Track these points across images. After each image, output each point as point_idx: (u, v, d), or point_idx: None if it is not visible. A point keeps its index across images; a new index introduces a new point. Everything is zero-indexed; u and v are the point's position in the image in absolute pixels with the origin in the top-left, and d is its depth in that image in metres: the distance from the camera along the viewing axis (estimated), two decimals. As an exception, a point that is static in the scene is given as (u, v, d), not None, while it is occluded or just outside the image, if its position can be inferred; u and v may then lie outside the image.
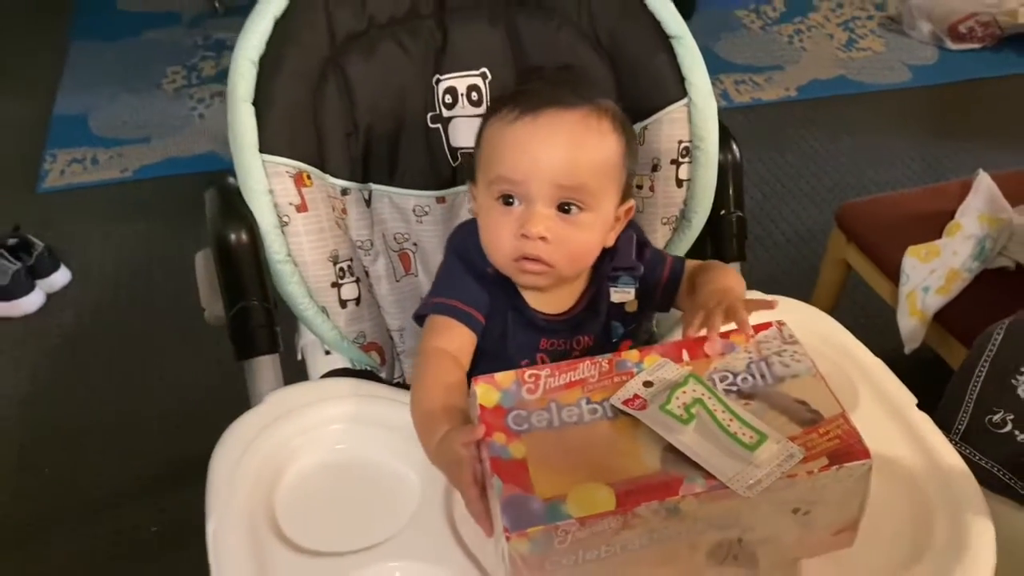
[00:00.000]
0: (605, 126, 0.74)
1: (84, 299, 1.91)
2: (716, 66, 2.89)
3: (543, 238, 0.72)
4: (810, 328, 0.75)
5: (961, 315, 1.27)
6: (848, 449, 0.59)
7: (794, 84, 2.85)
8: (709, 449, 0.59)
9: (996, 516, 0.81)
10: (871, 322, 1.55)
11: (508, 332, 0.76)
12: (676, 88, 0.86)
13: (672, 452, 0.60)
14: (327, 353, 0.86)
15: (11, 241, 1.88)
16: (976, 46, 2.95)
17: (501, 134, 0.73)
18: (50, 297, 1.89)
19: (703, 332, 0.68)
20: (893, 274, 1.38)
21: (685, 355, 0.67)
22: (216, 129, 2.49)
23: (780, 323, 0.69)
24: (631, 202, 0.79)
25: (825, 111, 2.72)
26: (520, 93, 0.76)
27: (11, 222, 1.93)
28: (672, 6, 0.86)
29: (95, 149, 2.39)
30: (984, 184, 1.37)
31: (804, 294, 1.51)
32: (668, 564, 0.61)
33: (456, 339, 0.73)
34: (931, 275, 1.32)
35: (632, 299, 0.80)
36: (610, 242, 0.78)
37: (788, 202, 2.23)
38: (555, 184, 0.72)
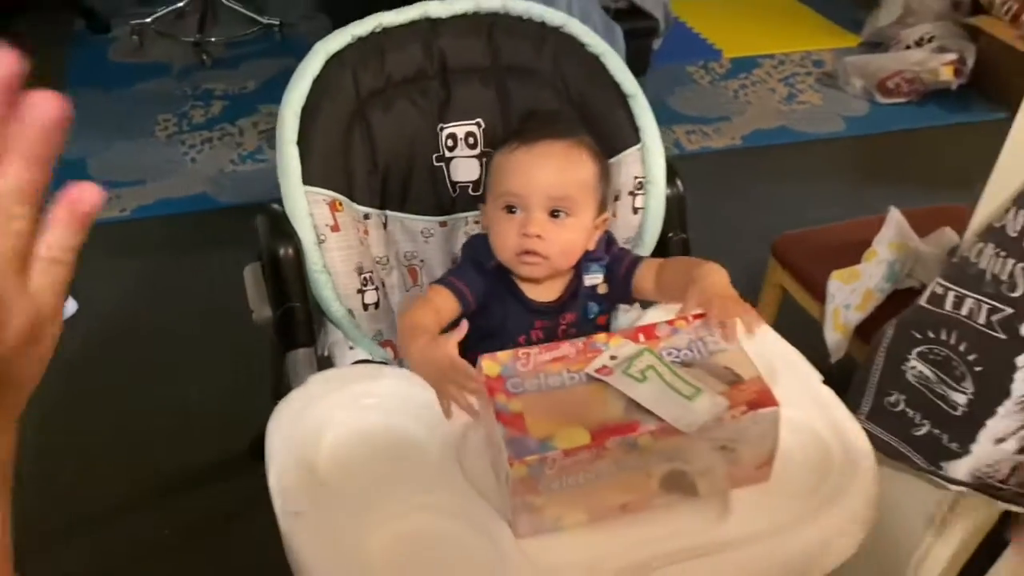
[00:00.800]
0: (584, 155, 0.96)
1: (90, 327, 2.06)
2: (669, 117, 3.15)
3: (539, 236, 0.93)
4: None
5: (876, 328, 1.48)
6: (761, 400, 0.79)
7: (739, 134, 3.11)
8: (659, 400, 0.79)
9: (894, 480, 1.02)
10: (803, 336, 1.77)
11: (508, 315, 0.96)
12: (632, 136, 1.07)
13: (632, 404, 0.79)
14: (351, 348, 1.04)
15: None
16: (903, 100, 3.25)
17: (506, 160, 0.95)
18: (59, 325, 2.04)
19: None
20: (820, 295, 1.61)
21: (641, 338, 0.87)
22: (206, 172, 2.67)
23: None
24: (606, 214, 1.01)
25: (768, 158, 2.98)
26: (519, 131, 0.98)
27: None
28: (628, 72, 1.08)
29: (94, 191, 2.56)
30: (895, 218, 1.61)
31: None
32: (631, 489, 0.80)
33: (442, 301, 0.96)
34: (851, 295, 1.54)
35: (601, 282, 1.01)
36: (591, 246, 1.00)
37: (734, 239, 2.46)
38: (547, 196, 0.93)
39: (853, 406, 1.15)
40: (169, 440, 1.79)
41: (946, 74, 3.22)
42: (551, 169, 0.94)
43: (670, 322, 0.89)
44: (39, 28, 3.46)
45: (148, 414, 1.85)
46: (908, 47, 3.47)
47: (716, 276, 0.91)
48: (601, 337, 0.87)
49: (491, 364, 0.84)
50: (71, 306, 2.07)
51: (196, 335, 2.06)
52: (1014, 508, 1.02)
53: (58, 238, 0.38)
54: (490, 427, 0.81)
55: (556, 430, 0.77)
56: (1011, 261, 0.91)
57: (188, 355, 2.00)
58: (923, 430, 1.07)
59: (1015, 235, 0.91)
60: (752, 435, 0.80)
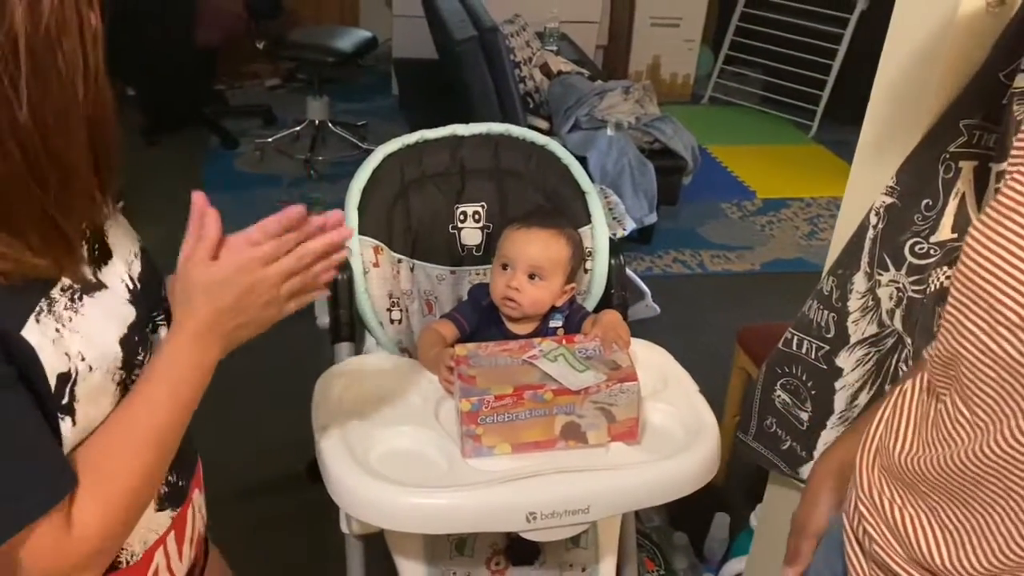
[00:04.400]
0: (562, 241, 1.42)
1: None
2: (697, 243, 3.61)
3: (517, 290, 1.39)
4: (659, 354, 1.42)
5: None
6: (627, 377, 1.21)
7: (759, 261, 3.54)
8: (560, 372, 1.22)
9: (780, 492, 1.40)
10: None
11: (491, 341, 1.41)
12: (585, 218, 1.54)
13: (545, 375, 1.23)
14: (379, 349, 1.51)
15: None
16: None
17: (510, 234, 1.42)
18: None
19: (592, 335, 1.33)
20: (767, 372, 1.99)
21: (563, 341, 1.31)
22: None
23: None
24: (574, 284, 1.47)
25: (781, 282, 3.39)
26: (524, 217, 1.45)
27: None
28: (586, 176, 1.56)
29: (211, 268, 3.15)
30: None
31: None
32: (541, 432, 1.22)
33: (447, 329, 1.41)
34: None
35: (560, 327, 1.45)
36: (559, 303, 1.45)
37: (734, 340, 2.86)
38: (528, 264, 1.39)
39: (744, 431, 1.54)
40: (239, 454, 2.26)
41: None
42: (535, 247, 1.41)
43: (584, 335, 1.34)
44: (184, 143, 4.22)
45: (225, 432, 2.33)
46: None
47: (610, 315, 1.38)
48: (536, 340, 1.32)
49: (461, 348, 1.30)
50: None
51: (275, 375, 2.56)
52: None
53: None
54: (455, 386, 1.26)
55: (493, 385, 1.21)
56: (826, 312, 1.32)
57: (267, 391, 2.49)
58: (787, 444, 1.45)
59: (827, 294, 1.32)
60: (622, 401, 1.21)
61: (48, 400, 0.74)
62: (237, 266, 0.82)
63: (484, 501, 1.14)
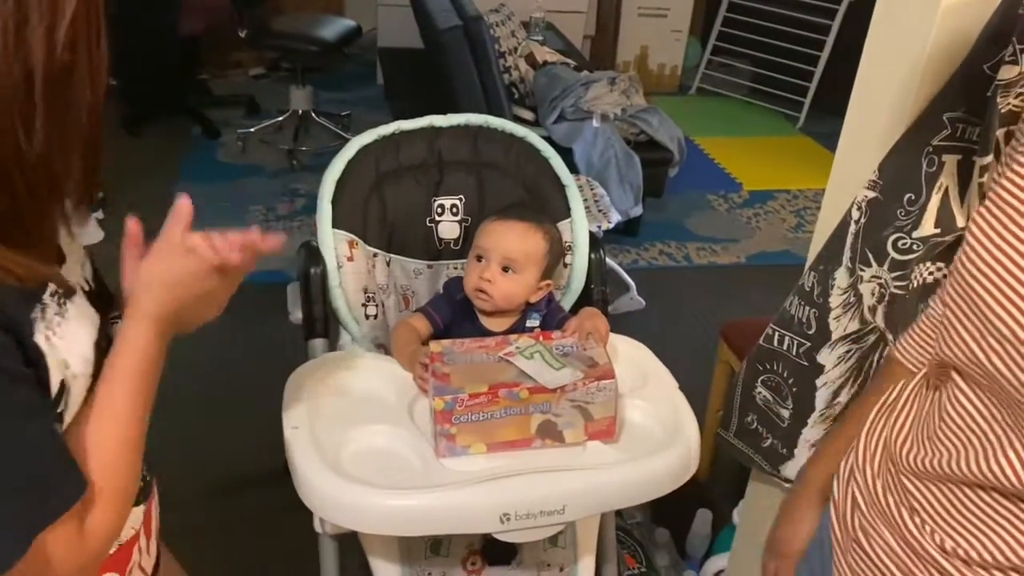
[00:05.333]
0: (538, 235, 1.39)
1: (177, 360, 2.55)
2: (683, 235, 3.59)
3: (489, 281, 1.36)
4: (638, 350, 1.40)
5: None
6: (605, 375, 1.19)
7: (745, 253, 3.52)
8: (537, 369, 1.19)
9: (762, 489, 1.37)
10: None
11: (465, 337, 1.38)
12: (565, 212, 1.51)
13: (521, 373, 1.20)
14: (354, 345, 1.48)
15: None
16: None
17: (487, 225, 1.39)
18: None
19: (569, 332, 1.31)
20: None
21: (540, 337, 1.29)
22: (285, 252, 3.21)
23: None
24: (549, 281, 1.43)
25: (768, 275, 3.36)
26: (503, 210, 1.42)
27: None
28: (566, 169, 1.53)
29: (191, 261, 3.11)
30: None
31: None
32: (516, 431, 1.19)
33: (420, 324, 1.38)
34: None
35: (538, 326, 1.42)
36: (534, 300, 1.42)
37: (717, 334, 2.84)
38: (502, 255, 1.36)
39: (725, 427, 1.52)
40: (219, 449, 2.23)
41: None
42: (509, 238, 1.38)
43: (562, 331, 1.31)
44: (166, 133, 4.16)
45: (203, 427, 2.30)
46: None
47: (589, 312, 1.36)
48: (513, 336, 1.29)
49: (436, 345, 1.27)
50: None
51: (254, 375, 2.53)
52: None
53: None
54: (429, 380, 1.23)
55: (467, 383, 1.18)
56: (807, 308, 1.30)
57: (241, 386, 2.46)
58: (768, 442, 1.43)
59: (808, 289, 1.30)
60: (599, 399, 1.19)
61: (52, 409, 0.74)
62: (212, 262, 0.82)
63: (457, 502, 1.12)
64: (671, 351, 1.43)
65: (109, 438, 0.78)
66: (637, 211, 3.27)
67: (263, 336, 2.71)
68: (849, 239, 1.23)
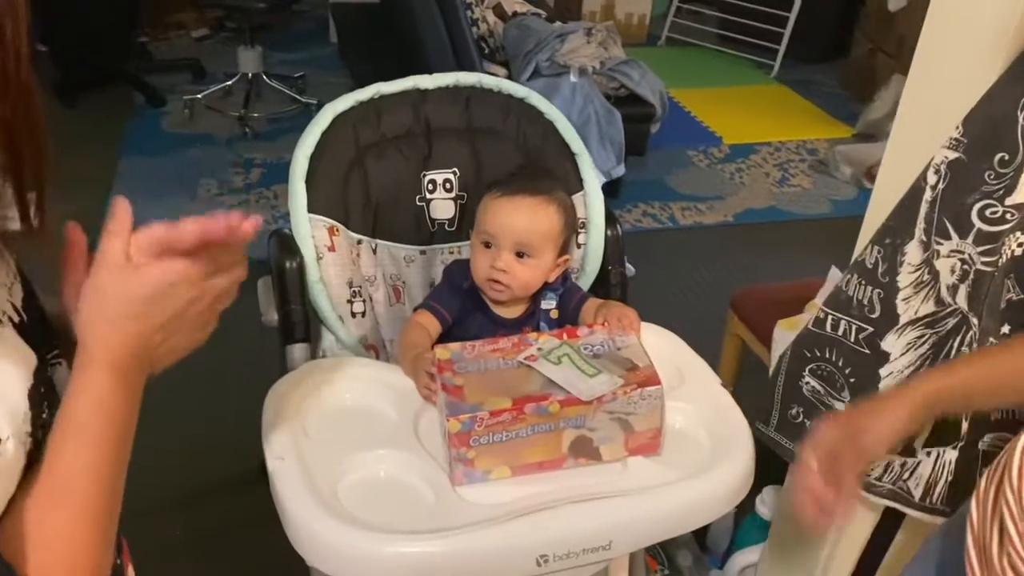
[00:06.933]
0: (552, 209, 1.19)
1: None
2: (666, 195, 3.41)
3: (504, 271, 1.16)
4: (668, 340, 1.22)
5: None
6: (649, 381, 1.00)
7: (731, 211, 3.35)
8: (568, 378, 1.00)
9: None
10: (755, 378, 1.97)
11: (477, 327, 1.19)
12: (576, 185, 1.31)
13: (548, 382, 1.01)
14: (340, 349, 1.27)
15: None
16: (888, 187, 3.48)
17: (490, 204, 1.18)
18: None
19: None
20: (768, 342, 1.81)
21: (564, 336, 1.09)
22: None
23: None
24: (567, 256, 1.24)
25: (756, 234, 3.21)
26: (507, 180, 1.21)
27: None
28: (576, 136, 1.32)
29: (140, 242, 2.85)
30: (834, 275, 1.81)
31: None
32: (546, 451, 1.00)
33: (428, 321, 1.18)
34: (793, 341, 1.74)
35: (555, 308, 1.23)
36: (551, 279, 1.22)
37: (712, 301, 2.68)
38: (514, 240, 1.16)
39: (764, 421, 1.35)
40: (188, 454, 2.01)
41: (928, 163, 3.44)
42: (521, 219, 1.17)
43: (589, 325, 1.12)
44: (104, 102, 3.84)
45: (171, 429, 2.08)
46: (895, 138, 3.72)
47: (610, 303, 1.19)
48: (532, 335, 1.10)
49: (443, 351, 1.07)
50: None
51: (220, 366, 2.29)
52: (891, 503, 1.20)
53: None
54: (439, 398, 1.03)
55: (486, 398, 0.99)
56: (870, 288, 1.12)
57: (211, 381, 2.23)
58: (818, 437, 1.26)
59: (871, 267, 1.12)
60: (642, 409, 1.00)
61: None
62: (170, 275, 0.62)
63: (484, 545, 0.93)
64: (665, 322, 1.24)
65: (64, 531, 0.59)
66: (619, 171, 3.08)
67: (227, 328, 2.47)
68: (923, 208, 1.05)
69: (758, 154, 3.82)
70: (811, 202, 3.42)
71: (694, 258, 3.02)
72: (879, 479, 1.19)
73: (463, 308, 1.22)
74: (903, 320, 1.10)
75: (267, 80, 3.91)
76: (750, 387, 1.51)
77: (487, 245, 1.18)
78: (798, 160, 3.78)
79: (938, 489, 1.14)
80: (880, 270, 1.11)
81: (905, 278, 1.08)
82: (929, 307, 1.08)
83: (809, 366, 1.24)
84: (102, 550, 0.61)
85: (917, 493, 1.16)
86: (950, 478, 1.13)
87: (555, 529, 0.94)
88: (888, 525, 1.28)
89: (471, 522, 0.93)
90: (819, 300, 1.81)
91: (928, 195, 1.04)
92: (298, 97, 3.87)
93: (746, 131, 4.01)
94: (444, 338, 1.19)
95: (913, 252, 1.07)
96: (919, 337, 1.10)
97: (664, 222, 3.22)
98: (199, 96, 3.82)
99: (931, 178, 1.03)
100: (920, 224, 1.06)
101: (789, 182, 3.60)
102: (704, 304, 2.71)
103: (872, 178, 3.51)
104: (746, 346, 1.99)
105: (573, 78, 2.98)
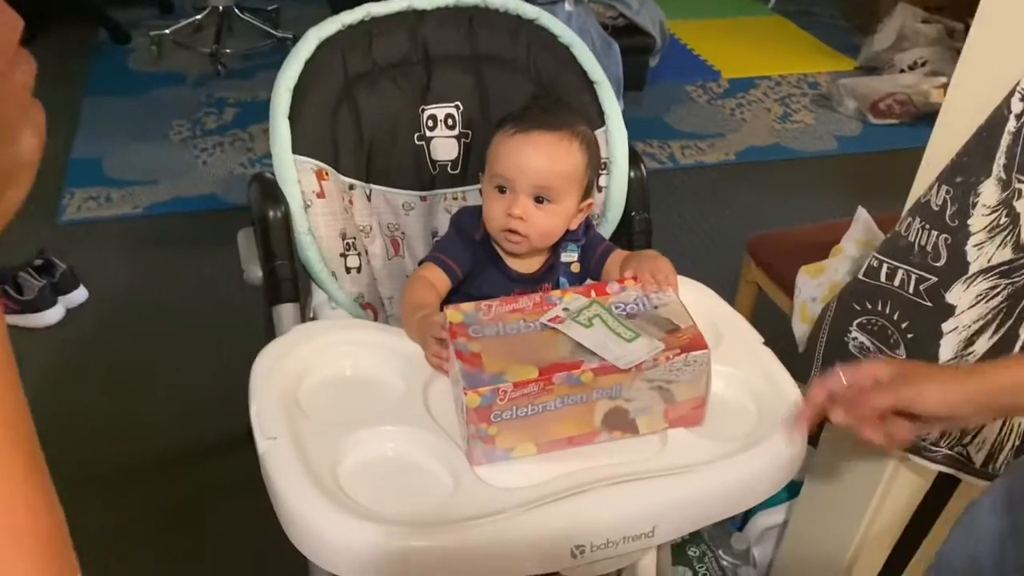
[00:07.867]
0: (574, 146, 1.04)
1: (99, 313, 2.16)
2: (665, 133, 3.25)
3: (522, 219, 1.02)
4: (700, 293, 1.09)
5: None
6: (694, 344, 0.88)
7: (733, 150, 3.20)
8: (601, 342, 0.87)
9: (840, 453, 1.10)
10: (774, 327, 1.85)
11: (491, 283, 1.05)
12: (597, 119, 1.16)
13: (578, 346, 0.88)
14: (333, 309, 1.13)
15: (37, 262, 2.14)
16: (894, 121, 3.34)
17: (502, 143, 1.03)
18: (69, 311, 2.14)
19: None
20: (790, 290, 1.69)
21: (593, 293, 0.96)
22: (216, 174, 2.79)
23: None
24: (591, 199, 1.10)
25: (760, 173, 3.07)
26: (521, 114, 1.05)
27: (37, 247, 2.20)
28: (595, 61, 1.17)
29: (108, 189, 2.66)
30: (862, 217, 1.68)
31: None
32: (576, 424, 0.88)
33: (435, 276, 1.04)
34: (817, 288, 1.62)
35: (576, 261, 1.10)
36: (573, 226, 1.08)
37: (719, 245, 2.55)
38: (533, 184, 1.02)
39: (803, 379, 1.23)
40: (170, 418, 1.88)
41: (937, 97, 3.30)
42: (540, 159, 1.02)
43: (620, 281, 0.98)
44: (64, 38, 3.59)
45: (152, 393, 1.94)
46: (902, 71, 3.57)
47: (645, 254, 1.04)
48: (556, 293, 0.96)
49: (454, 313, 0.93)
50: (82, 293, 2.17)
51: (200, 323, 2.15)
52: (946, 470, 1.09)
53: None
54: (452, 367, 0.90)
55: (508, 367, 0.86)
56: (935, 233, 0.99)
57: (190, 339, 2.09)
58: (864, 397, 1.14)
59: (937, 208, 0.99)
60: (685, 376, 0.88)
61: None
62: None
63: (512, 536, 0.80)
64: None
65: None
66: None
67: (190, 276, 2.32)
68: (1004, 141, 0.91)
69: (758, 88, 3.65)
70: (815, 139, 3.28)
71: (694, 198, 2.88)
72: (935, 444, 1.08)
73: (473, 261, 1.08)
74: (973, 269, 0.97)
75: (239, 14, 3.67)
76: (768, 339, 1.37)
77: (501, 190, 1.03)
78: (799, 94, 3.62)
79: (1003, 455, 1.04)
80: (948, 212, 0.98)
81: (978, 221, 0.95)
82: (1005, 254, 0.95)
83: (858, 320, 1.12)
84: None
85: (979, 458, 1.05)
86: (1018, 442, 1.02)
87: (592, 516, 0.82)
88: (941, 486, 1.17)
89: (496, 510, 0.81)
90: (847, 243, 1.68)
91: (1012, 125, 0.90)
92: (273, 32, 3.64)
93: (745, 64, 3.83)
94: (451, 296, 1.05)
95: (989, 192, 0.94)
96: (991, 288, 0.97)
97: (664, 161, 3.07)
98: (167, 32, 3.58)
99: (1016, 105, 0.90)
100: (1000, 159, 0.92)
101: (791, 118, 3.44)
102: (707, 246, 2.59)
103: (877, 112, 3.37)
104: (762, 292, 1.86)
105: (568, 6, 2.79)
